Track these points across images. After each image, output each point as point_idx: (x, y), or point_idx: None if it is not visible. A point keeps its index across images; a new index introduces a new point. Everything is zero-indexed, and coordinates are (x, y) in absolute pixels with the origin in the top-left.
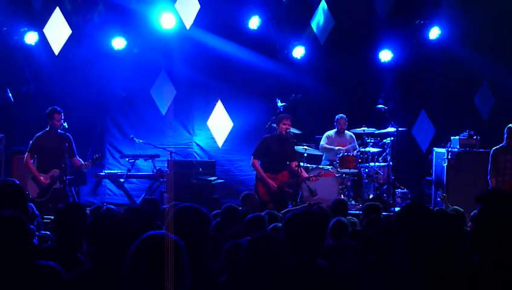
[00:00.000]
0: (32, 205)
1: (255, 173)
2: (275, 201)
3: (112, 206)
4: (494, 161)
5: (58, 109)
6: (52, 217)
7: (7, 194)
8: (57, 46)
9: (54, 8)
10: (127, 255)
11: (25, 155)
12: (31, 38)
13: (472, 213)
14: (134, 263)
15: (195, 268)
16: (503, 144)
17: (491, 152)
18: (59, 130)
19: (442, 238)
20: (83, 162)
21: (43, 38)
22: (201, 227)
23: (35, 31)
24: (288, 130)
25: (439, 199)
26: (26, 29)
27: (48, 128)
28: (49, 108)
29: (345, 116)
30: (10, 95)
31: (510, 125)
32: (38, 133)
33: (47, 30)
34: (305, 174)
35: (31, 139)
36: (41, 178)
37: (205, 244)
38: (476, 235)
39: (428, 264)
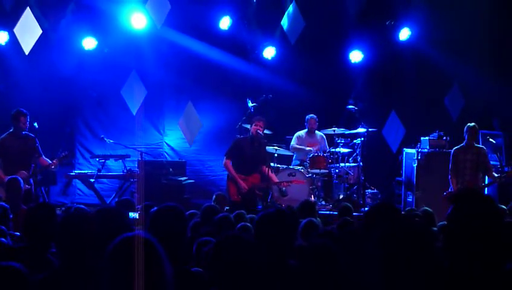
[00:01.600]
0: (6, 205)
1: (227, 173)
2: (245, 202)
3: (82, 206)
4: (455, 161)
5: (24, 111)
6: None
7: None
8: (27, 46)
9: (25, 8)
10: (104, 259)
11: None
12: (1, 38)
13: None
14: (111, 266)
15: (174, 268)
16: (463, 143)
17: (452, 152)
18: (23, 132)
19: (410, 239)
20: (50, 162)
21: (13, 38)
22: (179, 226)
23: (5, 30)
24: (258, 132)
25: (409, 200)
26: None
27: (12, 130)
28: (15, 110)
29: (315, 116)
30: None
31: (469, 124)
32: (2, 136)
33: (17, 30)
34: (275, 179)
35: None
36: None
37: (183, 243)
38: (447, 236)
39: (396, 264)
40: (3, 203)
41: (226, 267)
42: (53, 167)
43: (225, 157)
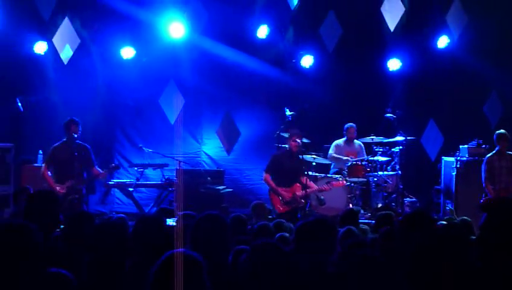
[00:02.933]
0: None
1: (268, 188)
2: (292, 211)
3: (122, 215)
4: (489, 168)
5: (76, 119)
6: None
7: (41, 201)
8: (66, 55)
9: (63, 18)
10: (150, 275)
11: (42, 166)
12: (40, 48)
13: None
14: (157, 284)
15: (215, 279)
16: (495, 150)
17: (485, 160)
18: (77, 141)
19: (445, 247)
20: (101, 171)
21: (52, 48)
22: (222, 235)
23: (44, 40)
24: (298, 147)
25: (448, 209)
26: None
27: (65, 139)
28: (68, 119)
29: (354, 125)
30: (20, 104)
31: (500, 131)
32: (55, 144)
33: (56, 40)
34: (314, 186)
35: (48, 150)
36: (58, 188)
37: (226, 251)
38: (481, 244)
39: (430, 272)
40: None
41: (259, 275)
42: (101, 177)
43: (264, 172)
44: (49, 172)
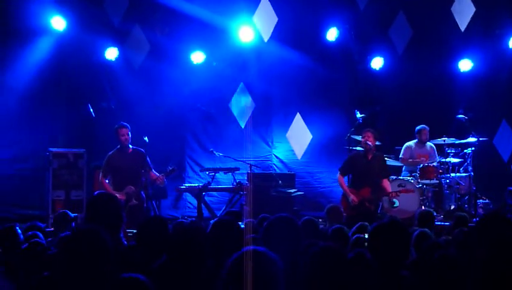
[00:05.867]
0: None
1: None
2: (359, 216)
3: (192, 219)
4: None
5: (123, 124)
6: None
7: (103, 204)
8: (136, 61)
9: (134, 24)
10: (224, 270)
11: (100, 174)
12: (111, 54)
13: None
14: (229, 280)
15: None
16: None
17: None
18: (131, 146)
19: None
20: (158, 175)
21: (123, 53)
22: (294, 237)
23: (115, 46)
24: (368, 142)
25: None
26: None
27: (119, 146)
28: (116, 124)
29: (427, 127)
30: (91, 110)
31: None
32: (110, 152)
33: (127, 45)
34: (389, 189)
35: (104, 158)
36: (117, 195)
37: (298, 253)
38: None
39: (506, 276)
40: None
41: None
42: (159, 182)
43: (338, 172)
44: (106, 180)
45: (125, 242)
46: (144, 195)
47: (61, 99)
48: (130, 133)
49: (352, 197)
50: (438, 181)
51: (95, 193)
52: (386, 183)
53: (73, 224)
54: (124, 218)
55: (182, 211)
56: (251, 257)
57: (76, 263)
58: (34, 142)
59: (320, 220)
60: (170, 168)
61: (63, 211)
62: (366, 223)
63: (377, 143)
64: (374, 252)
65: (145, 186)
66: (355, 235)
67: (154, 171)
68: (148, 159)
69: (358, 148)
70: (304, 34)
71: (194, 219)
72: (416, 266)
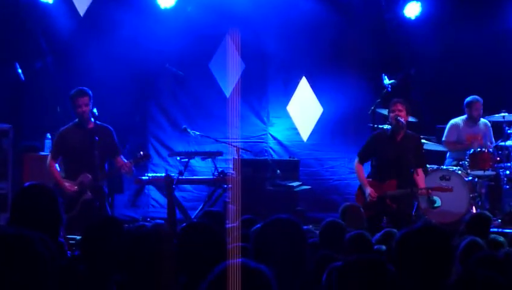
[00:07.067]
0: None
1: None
2: (379, 217)
3: (159, 221)
4: None
5: (84, 90)
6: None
7: (34, 199)
8: (82, 4)
9: None
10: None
11: (48, 156)
12: None
13: None
14: None
15: None
16: None
17: None
18: (94, 121)
19: None
20: (125, 161)
21: None
22: (296, 245)
23: None
24: (399, 118)
25: None
26: None
27: (76, 120)
28: (72, 90)
29: (480, 99)
30: (20, 71)
31: None
32: (63, 127)
33: None
34: (422, 184)
35: (55, 135)
36: (66, 185)
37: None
38: None
39: None
40: None
41: None
42: (125, 170)
43: (357, 157)
44: (56, 164)
45: (68, 252)
46: (106, 188)
47: None
48: (91, 102)
49: (369, 190)
50: (494, 172)
51: (25, 184)
52: (420, 176)
53: None
54: (63, 219)
55: (143, 210)
56: (238, 273)
57: None
58: None
59: (310, 226)
60: (142, 153)
61: None
62: (395, 231)
63: (411, 119)
64: (400, 270)
65: (109, 175)
66: (375, 247)
67: (123, 157)
68: (116, 138)
69: (386, 126)
70: None
71: (159, 221)
72: (462, 288)
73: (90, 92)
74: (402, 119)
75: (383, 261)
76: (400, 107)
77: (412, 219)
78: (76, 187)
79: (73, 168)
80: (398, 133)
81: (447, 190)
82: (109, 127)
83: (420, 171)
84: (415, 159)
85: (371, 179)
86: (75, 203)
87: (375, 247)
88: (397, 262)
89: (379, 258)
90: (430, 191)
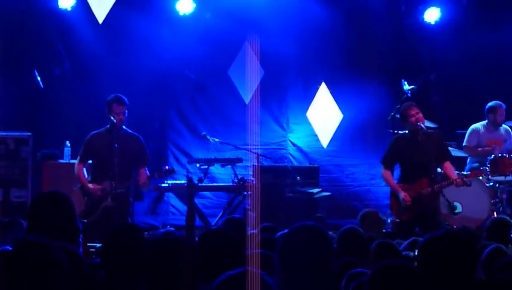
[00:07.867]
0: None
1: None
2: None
3: (172, 229)
4: None
5: (123, 98)
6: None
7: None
8: (101, 11)
9: None
10: None
11: (76, 162)
12: (66, 2)
13: None
14: None
15: None
16: None
17: None
18: (125, 128)
19: None
20: (148, 174)
21: (82, 1)
22: (322, 252)
23: None
24: (419, 124)
25: None
26: None
27: (108, 126)
28: (111, 96)
29: (503, 104)
30: (39, 79)
31: None
32: (94, 131)
33: None
34: (453, 175)
35: (85, 138)
36: (90, 186)
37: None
38: None
39: None
40: None
41: None
42: (142, 182)
43: (382, 165)
44: (84, 168)
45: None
46: (131, 198)
47: None
48: (127, 111)
49: (403, 194)
50: None
51: (42, 192)
52: (449, 168)
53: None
54: (79, 226)
55: (162, 217)
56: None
57: None
58: None
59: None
60: (167, 168)
61: None
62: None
63: (431, 125)
64: (426, 272)
65: (130, 185)
66: (404, 253)
67: (146, 169)
68: (144, 148)
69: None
70: None
71: (170, 228)
72: None
73: (127, 101)
74: (423, 126)
75: (413, 266)
76: (416, 110)
77: (442, 227)
78: (99, 192)
79: (97, 174)
80: (417, 133)
81: (481, 173)
82: (139, 136)
83: (448, 164)
84: (440, 154)
85: (401, 184)
86: (96, 208)
87: (403, 253)
88: (420, 267)
89: (409, 264)
90: (465, 179)
